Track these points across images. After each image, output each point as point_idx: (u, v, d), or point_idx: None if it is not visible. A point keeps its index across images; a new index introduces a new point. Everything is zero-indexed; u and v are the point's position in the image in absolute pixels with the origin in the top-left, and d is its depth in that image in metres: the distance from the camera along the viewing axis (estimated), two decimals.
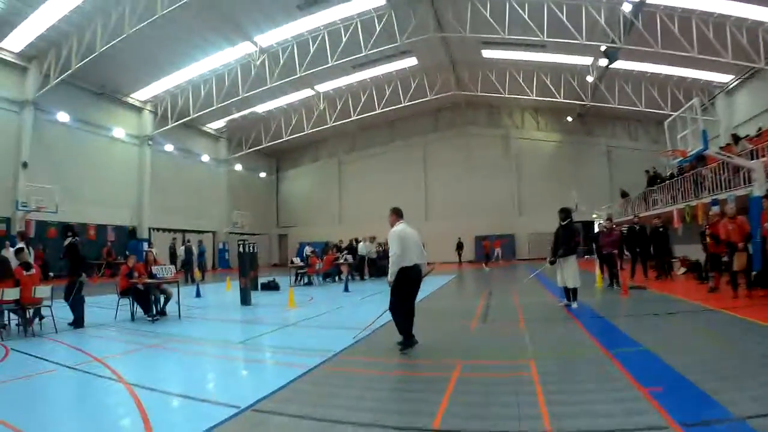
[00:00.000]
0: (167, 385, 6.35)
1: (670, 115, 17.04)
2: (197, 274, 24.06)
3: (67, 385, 6.69)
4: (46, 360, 7.79)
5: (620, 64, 26.22)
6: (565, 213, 11.56)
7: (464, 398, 5.28)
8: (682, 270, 18.27)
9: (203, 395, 5.92)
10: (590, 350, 7.17)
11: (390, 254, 7.74)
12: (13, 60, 24.07)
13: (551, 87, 30.37)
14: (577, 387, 5.45)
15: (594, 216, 30.69)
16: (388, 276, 7.76)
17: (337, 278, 23.67)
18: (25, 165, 24.21)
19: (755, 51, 20.86)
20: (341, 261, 23.71)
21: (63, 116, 26.90)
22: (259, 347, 9.06)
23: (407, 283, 7.74)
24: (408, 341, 7.64)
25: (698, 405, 4.66)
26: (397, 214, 8.15)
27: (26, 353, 8.35)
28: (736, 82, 26.18)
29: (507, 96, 31.49)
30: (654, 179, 24.81)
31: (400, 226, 7.88)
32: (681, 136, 14.59)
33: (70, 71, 22.71)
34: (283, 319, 12.26)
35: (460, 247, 33.86)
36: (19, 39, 22.96)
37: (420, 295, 14.86)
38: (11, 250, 11.47)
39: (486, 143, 38.80)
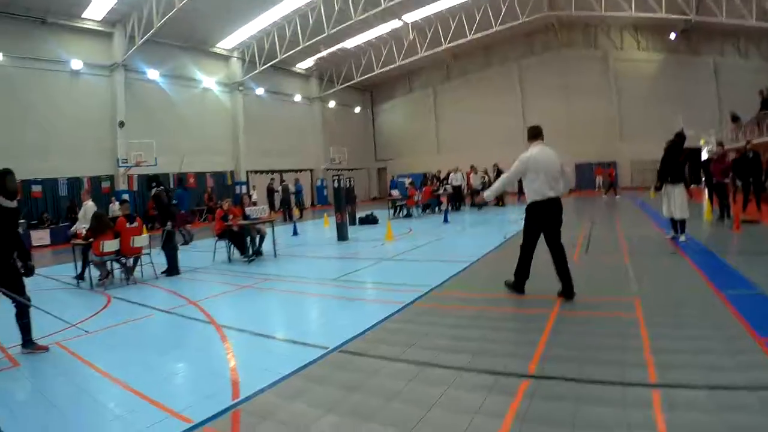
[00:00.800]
0: (257, 326, 6.50)
1: None
2: (296, 211, 24.60)
3: (161, 329, 7.03)
4: (144, 305, 8.17)
5: None
6: (677, 135, 10.68)
7: (563, 339, 5.08)
8: None
9: (292, 336, 6.03)
10: (700, 290, 6.65)
11: (506, 173, 7.05)
12: (97, 27, 24.87)
13: (651, 1, 28.17)
14: (686, 333, 5.03)
15: (701, 141, 28.76)
16: (484, 194, 7.40)
17: (437, 209, 23.65)
18: (122, 124, 25.34)
19: None
20: (440, 192, 23.50)
21: (153, 73, 27.67)
22: (354, 284, 9.10)
23: (536, 221, 6.83)
24: (517, 285, 7.05)
25: None
26: (531, 134, 7.21)
27: (127, 300, 8.80)
28: None
29: (604, 14, 29.31)
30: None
31: (535, 150, 6.85)
32: None
33: (153, 30, 23.01)
34: (380, 253, 12.35)
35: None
36: (101, 6, 23.52)
37: (518, 226, 14.69)
38: (117, 203, 11.93)
39: (584, 66, 36.42)
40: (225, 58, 33.01)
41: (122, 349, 5.97)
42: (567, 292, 6.57)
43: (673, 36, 32.35)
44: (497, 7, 29.76)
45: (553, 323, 5.58)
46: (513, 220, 17.68)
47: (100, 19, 24.62)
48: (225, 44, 32.09)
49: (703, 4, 27.36)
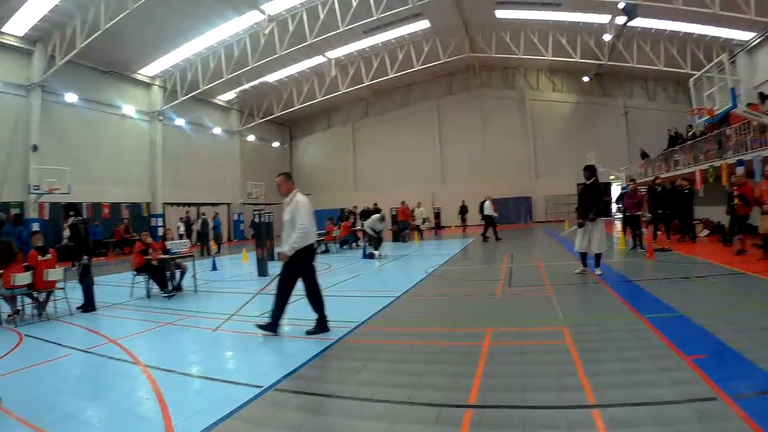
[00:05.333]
0: (184, 366, 6.20)
1: (690, 74, 16.69)
2: (213, 246, 24.05)
3: (81, 370, 6.57)
4: (60, 345, 7.68)
5: (639, 22, 25.57)
6: (590, 171, 10.83)
7: (499, 369, 5.12)
8: (705, 232, 17.95)
9: (222, 375, 5.74)
10: (624, 315, 6.97)
11: (299, 225, 7.00)
12: (17, 44, 23.72)
13: (567, 47, 29.65)
14: (616, 355, 5.23)
15: (612, 177, 30.22)
16: (287, 248, 7.06)
17: (354, 245, 23.60)
18: (35, 148, 23.99)
19: None
20: (358, 227, 23.55)
21: (71, 97, 26.47)
22: (286, 319, 8.88)
23: (310, 261, 7.31)
24: (276, 325, 7.28)
25: (745, 375, 4.46)
26: (291, 179, 7.54)
27: (40, 338, 8.26)
28: (759, 39, 25.34)
29: (522, 57, 30.80)
30: (675, 139, 24.29)
31: (302, 196, 7.32)
32: (708, 94, 14.20)
33: (75, 51, 22.30)
34: (301, 289, 12.11)
35: (463, 210, 32.46)
36: (22, 22, 22.56)
37: (439, 260, 14.77)
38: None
39: (501, 105, 38.14)
40: (147, 85, 32.19)
41: (39, 394, 5.49)
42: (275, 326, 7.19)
43: (586, 79, 34.17)
44: (420, 46, 30.74)
45: (486, 355, 5.61)
46: (435, 254, 18.01)
47: (21, 35, 23.59)
48: (147, 71, 31.38)
49: (616, 50, 29.08)
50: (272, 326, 7.15)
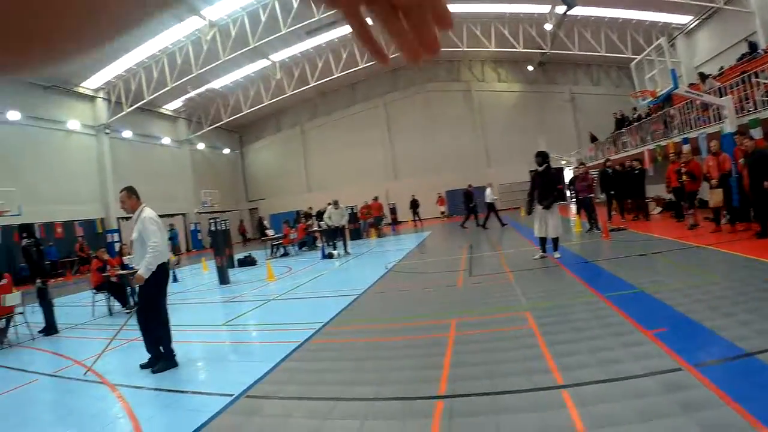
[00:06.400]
0: (153, 381, 6.02)
1: (632, 58, 17.07)
2: (172, 257, 23.54)
3: (49, 395, 6.36)
4: (25, 371, 7.43)
5: (578, 11, 26.01)
6: (542, 157, 10.90)
7: (466, 358, 5.13)
8: (658, 209, 18.41)
9: (192, 387, 5.64)
10: (585, 296, 7.06)
11: (151, 244, 6.23)
12: None
13: (510, 37, 30.09)
14: (580, 335, 5.29)
15: (563, 162, 30.75)
16: (142, 271, 6.19)
17: (313, 245, 23.52)
18: None
19: None
20: (314, 228, 23.50)
21: (13, 114, 25.52)
22: (244, 327, 8.81)
23: (161, 283, 6.52)
24: (172, 358, 6.42)
25: (706, 343, 4.56)
26: (135, 193, 6.77)
27: (3, 366, 7.97)
28: (696, 22, 26.26)
29: (465, 50, 31.01)
30: (622, 122, 24.88)
31: (150, 211, 6.64)
32: (649, 77, 14.51)
33: None
34: (264, 294, 12.00)
35: (414, 205, 31.98)
36: None
37: (398, 255, 14.76)
38: None
39: (448, 98, 38.37)
40: (90, 98, 31.14)
41: (6, 425, 5.32)
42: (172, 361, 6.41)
43: (530, 68, 34.68)
44: None
45: (452, 345, 5.62)
46: (392, 250, 18.17)
47: None
48: (90, 84, 30.36)
49: (558, 39, 29.58)
50: (167, 361, 6.37)
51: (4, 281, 9.71)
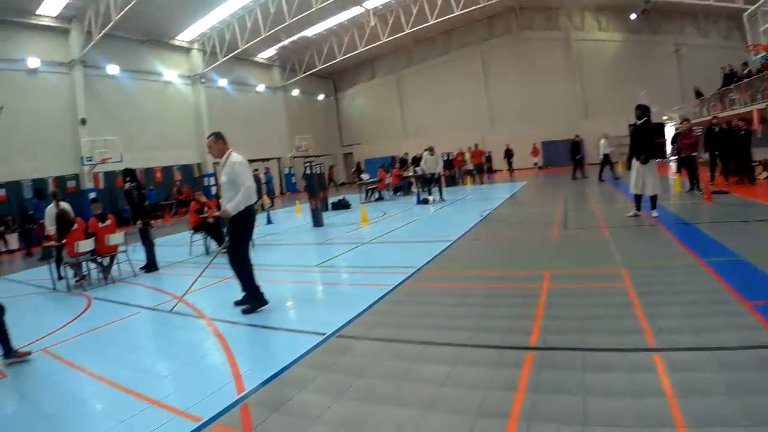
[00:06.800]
0: (247, 317, 6.37)
1: (744, 9, 15.74)
2: (266, 200, 24.38)
3: (150, 327, 6.85)
4: (128, 304, 7.96)
5: None
6: (641, 110, 10.36)
7: (559, 312, 5.12)
8: (765, 174, 17.26)
9: (285, 324, 5.97)
10: (682, 259, 6.80)
11: (245, 185, 6.39)
12: (53, 24, 24.11)
13: None
14: (676, 299, 5.14)
15: (665, 118, 29.23)
16: (230, 206, 6.38)
17: (408, 191, 23.72)
18: (83, 122, 24.67)
19: None
20: (409, 174, 23.65)
21: (113, 69, 26.98)
22: (337, 269, 9.05)
23: (251, 225, 6.73)
24: (261, 298, 6.61)
25: None
26: (223, 138, 6.86)
27: (108, 300, 8.58)
28: None
29: None
30: (730, 77, 23.21)
31: (238, 155, 6.73)
32: (764, 29, 13.47)
33: (111, 24, 22.38)
34: (358, 237, 12.28)
35: (508, 154, 31.66)
36: (55, 2, 22.81)
37: (493, 204, 14.60)
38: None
39: (545, 47, 36.54)
40: (185, 50, 32.37)
41: (113, 351, 5.77)
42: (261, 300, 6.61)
43: (633, 16, 32.75)
44: None
45: (545, 297, 5.63)
46: (487, 198, 18.00)
47: (55, 15, 23.76)
48: (185, 36, 31.45)
49: None
50: (254, 299, 6.62)
51: (108, 222, 10.41)
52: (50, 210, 11.29)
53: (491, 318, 5.16)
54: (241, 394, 4.08)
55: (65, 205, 11.19)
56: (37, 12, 22.99)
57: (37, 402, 4.63)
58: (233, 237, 6.64)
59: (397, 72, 43.03)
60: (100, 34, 23.02)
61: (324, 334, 5.21)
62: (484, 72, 38.84)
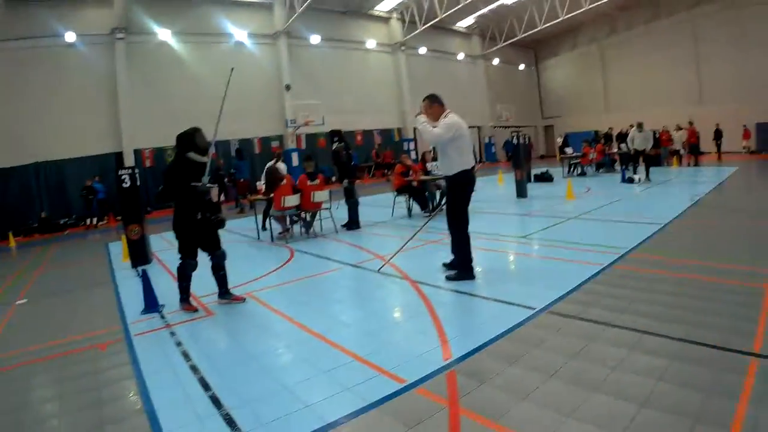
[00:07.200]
0: (451, 283, 6.33)
1: None
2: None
3: (353, 283, 7.14)
4: (329, 259, 8.25)
5: None
6: None
7: None
8: None
9: (493, 294, 5.81)
10: None
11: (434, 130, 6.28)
12: (258, 0, 27.21)
13: None
14: None
15: None
16: (422, 127, 6.41)
17: (613, 168, 22.42)
18: (288, 87, 27.22)
19: None
20: (613, 150, 22.47)
21: (315, 39, 29.31)
22: (543, 241, 8.73)
23: (468, 189, 6.46)
24: (470, 270, 6.46)
25: None
26: (438, 101, 6.62)
27: (310, 253, 8.98)
28: None
29: None
30: None
31: (455, 117, 6.44)
32: None
33: None
34: (563, 211, 11.87)
35: (718, 135, 27.46)
36: None
37: (704, 187, 13.28)
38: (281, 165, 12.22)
39: (765, 14, 32.16)
40: (384, 19, 33.42)
41: (316, 303, 6.16)
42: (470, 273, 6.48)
43: None
44: None
45: None
46: (697, 181, 16.49)
47: None
48: (383, 6, 32.42)
49: None
50: (463, 269, 6.51)
51: (317, 181, 10.93)
52: (269, 166, 12.12)
53: (710, 314, 4.64)
54: (447, 361, 4.06)
55: (281, 165, 12.15)
56: None
57: (243, 342, 5.05)
58: (449, 200, 6.60)
59: (599, 41, 40.28)
60: (302, 7, 24.70)
61: (533, 308, 5.06)
62: (695, 42, 34.62)
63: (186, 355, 4.72)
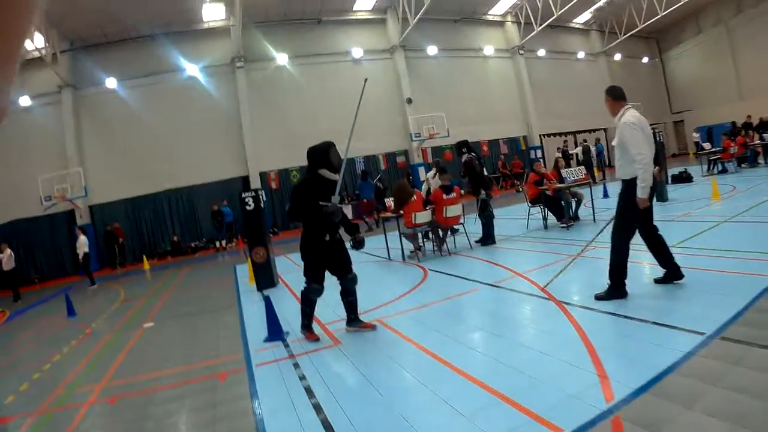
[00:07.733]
0: (604, 304, 5.57)
1: None
2: (597, 173, 23.31)
3: (491, 305, 6.64)
4: (465, 278, 7.81)
5: None
6: None
7: None
8: None
9: (651, 316, 4.94)
10: None
11: (636, 156, 5.45)
12: (370, 16, 27.41)
13: None
14: None
15: None
16: (639, 192, 5.44)
17: (757, 162, 20.12)
18: (409, 101, 27.10)
19: None
20: (755, 142, 20.12)
21: (432, 50, 28.98)
22: (699, 250, 7.51)
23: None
24: (622, 288, 5.71)
25: None
26: (614, 94, 5.98)
27: (444, 272, 8.56)
28: None
29: None
30: None
31: (633, 114, 5.73)
32: None
33: (423, 9, 23.40)
34: (711, 214, 10.57)
35: None
36: None
37: None
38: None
39: None
40: (499, 24, 32.60)
41: (453, 330, 5.64)
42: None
43: None
44: None
45: None
46: None
47: (370, 8, 26.91)
48: (496, 10, 31.60)
49: None
50: (615, 286, 5.75)
51: (453, 195, 10.58)
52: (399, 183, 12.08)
53: None
54: (611, 404, 3.39)
55: (403, 181, 11.91)
56: (354, 9, 26.44)
57: (372, 377, 4.65)
58: (618, 211, 5.89)
59: (725, 22, 36.40)
60: (415, 19, 24.52)
61: (703, 333, 4.21)
62: None
63: (309, 391, 4.49)
